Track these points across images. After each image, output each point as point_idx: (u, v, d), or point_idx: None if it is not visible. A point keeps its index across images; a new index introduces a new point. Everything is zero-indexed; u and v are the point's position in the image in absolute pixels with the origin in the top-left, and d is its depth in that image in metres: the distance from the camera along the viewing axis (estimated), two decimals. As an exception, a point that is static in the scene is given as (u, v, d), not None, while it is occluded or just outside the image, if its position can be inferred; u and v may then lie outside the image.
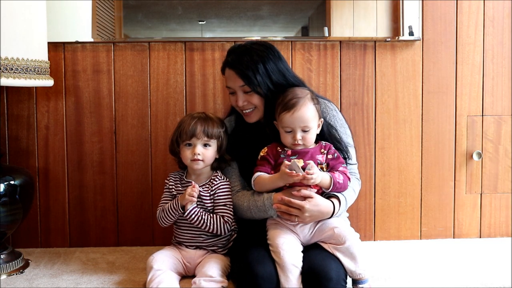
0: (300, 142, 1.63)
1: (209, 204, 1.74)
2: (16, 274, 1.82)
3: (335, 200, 1.64)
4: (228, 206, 1.74)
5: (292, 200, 1.58)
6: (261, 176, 1.65)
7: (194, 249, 1.74)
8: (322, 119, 1.70)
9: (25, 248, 2.07)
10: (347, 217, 1.89)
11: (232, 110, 1.91)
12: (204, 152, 1.71)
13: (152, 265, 1.64)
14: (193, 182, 1.70)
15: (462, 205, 2.23)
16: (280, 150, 1.66)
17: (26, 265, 1.90)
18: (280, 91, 1.71)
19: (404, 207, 2.21)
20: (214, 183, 1.75)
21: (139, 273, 1.79)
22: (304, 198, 1.58)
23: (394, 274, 1.79)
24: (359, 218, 2.19)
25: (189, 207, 1.67)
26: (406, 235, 2.22)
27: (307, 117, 1.63)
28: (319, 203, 1.60)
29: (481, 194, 2.23)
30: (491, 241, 2.18)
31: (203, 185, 1.74)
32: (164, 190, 1.80)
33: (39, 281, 1.75)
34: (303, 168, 1.57)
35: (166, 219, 1.72)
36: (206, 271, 1.62)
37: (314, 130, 1.66)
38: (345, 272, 1.56)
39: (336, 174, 1.63)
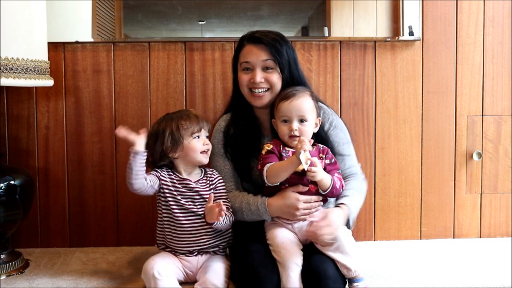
0: (296, 133, 1.62)
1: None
2: (16, 274, 1.82)
3: (345, 208, 1.63)
4: (227, 199, 1.75)
5: (320, 222, 1.55)
6: (274, 164, 1.61)
7: (195, 255, 1.69)
8: (320, 118, 1.70)
9: (25, 248, 2.07)
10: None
11: (229, 108, 1.90)
12: (209, 144, 1.74)
13: (153, 272, 1.59)
14: (211, 195, 1.63)
15: (462, 205, 2.23)
16: (283, 148, 1.65)
17: (26, 265, 1.90)
18: (288, 84, 1.73)
19: (404, 207, 2.21)
20: (212, 177, 1.75)
21: (139, 273, 1.78)
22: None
23: (394, 274, 1.79)
24: (359, 218, 2.19)
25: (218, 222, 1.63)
26: (406, 235, 2.22)
27: (305, 107, 1.63)
28: (338, 213, 1.59)
29: (481, 194, 2.23)
30: (491, 241, 2.18)
31: (197, 180, 1.73)
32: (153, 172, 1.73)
33: (39, 281, 1.75)
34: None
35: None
36: (209, 278, 1.60)
37: (311, 125, 1.66)
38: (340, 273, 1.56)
39: (335, 178, 1.64)
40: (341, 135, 1.81)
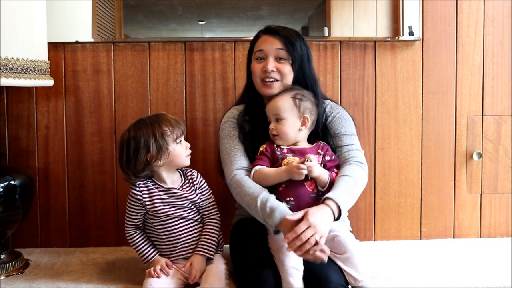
0: (274, 132, 1.65)
1: (196, 199, 1.70)
2: (16, 274, 1.82)
3: (329, 202, 1.52)
4: (214, 202, 1.74)
5: (296, 229, 1.45)
6: (262, 169, 1.62)
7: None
8: (308, 117, 1.66)
9: (25, 248, 2.07)
10: (347, 216, 1.88)
11: (240, 99, 1.89)
12: (189, 145, 1.72)
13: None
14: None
15: (462, 205, 2.23)
16: (277, 147, 1.66)
17: (26, 265, 1.90)
18: (299, 79, 1.73)
19: (404, 207, 2.21)
20: (193, 178, 1.72)
21: (139, 273, 1.78)
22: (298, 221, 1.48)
23: (394, 274, 1.79)
24: (359, 218, 2.19)
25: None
26: (406, 235, 2.22)
27: (278, 106, 1.64)
28: (315, 210, 1.49)
29: (481, 194, 2.23)
30: (491, 241, 2.18)
31: (181, 186, 1.71)
32: (133, 205, 1.69)
33: (39, 281, 1.75)
34: (302, 163, 1.56)
35: None
36: (211, 283, 1.59)
37: (289, 123, 1.64)
38: (345, 277, 1.55)
39: (334, 174, 1.63)
40: (343, 124, 1.76)
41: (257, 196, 1.57)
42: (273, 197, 1.57)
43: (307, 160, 1.55)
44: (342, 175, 1.61)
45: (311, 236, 1.44)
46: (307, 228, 1.45)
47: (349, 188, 1.58)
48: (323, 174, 1.59)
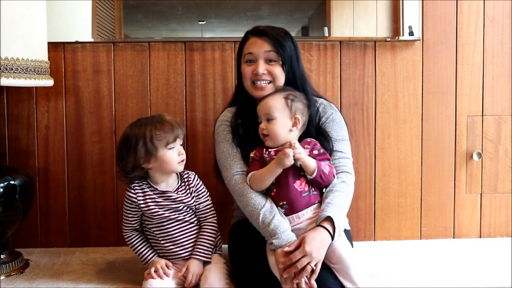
0: (264, 132, 1.64)
1: (192, 203, 1.69)
2: (16, 274, 1.82)
3: (326, 224, 1.52)
4: (211, 204, 1.73)
5: (291, 256, 1.46)
6: (255, 172, 1.62)
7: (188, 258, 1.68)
8: (299, 117, 1.65)
9: (25, 248, 2.07)
10: (346, 215, 1.87)
11: (233, 102, 1.88)
12: (184, 154, 1.68)
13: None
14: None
15: (462, 205, 2.23)
16: (265, 151, 1.65)
17: (26, 265, 1.90)
18: (290, 80, 1.73)
19: (404, 207, 2.21)
20: (189, 180, 1.70)
21: (139, 273, 1.78)
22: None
23: (394, 274, 1.79)
24: (359, 218, 2.20)
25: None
26: (406, 235, 2.22)
27: (269, 105, 1.63)
28: (312, 235, 1.49)
29: (481, 194, 2.23)
30: (491, 241, 2.18)
31: (177, 189, 1.69)
32: (129, 207, 1.69)
33: (39, 281, 1.75)
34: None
35: None
36: (211, 283, 1.59)
37: (280, 123, 1.63)
38: (341, 283, 1.54)
39: (322, 163, 1.61)
40: (336, 128, 1.76)
41: (259, 213, 1.58)
42: (272, 216, 1.56)
43: (293, 144, 1.55)
44: (336, 191, 1.62)
45: (307, 264, 1.45)
46: (302, 256, 1.46)
47: (342, 205, 1.60)
48: (309, 161, 1.58)
